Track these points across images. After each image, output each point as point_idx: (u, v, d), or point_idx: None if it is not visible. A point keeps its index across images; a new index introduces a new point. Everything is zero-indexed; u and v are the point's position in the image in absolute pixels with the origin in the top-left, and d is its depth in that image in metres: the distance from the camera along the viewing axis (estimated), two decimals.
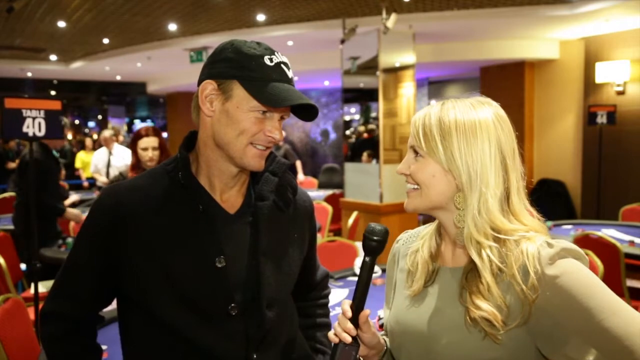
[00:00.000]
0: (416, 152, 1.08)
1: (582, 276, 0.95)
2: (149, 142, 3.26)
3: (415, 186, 1.08)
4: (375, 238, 1.06)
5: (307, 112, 1.17)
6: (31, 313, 3.19)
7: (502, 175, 1.03)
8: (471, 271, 1.02)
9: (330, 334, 1.06)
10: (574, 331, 0.93)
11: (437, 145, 1.03)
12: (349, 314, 1.05)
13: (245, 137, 1.12)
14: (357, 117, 11.82)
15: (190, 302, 1.13)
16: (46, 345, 1.22)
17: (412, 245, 1.18)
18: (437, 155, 1.03)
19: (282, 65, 1.14)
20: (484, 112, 1.04)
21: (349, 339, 1.03)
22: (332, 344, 1.05)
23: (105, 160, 7.17)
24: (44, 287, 4.08)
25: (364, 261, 1.07)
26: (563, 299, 0.93)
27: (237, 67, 1.12)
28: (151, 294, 1.13)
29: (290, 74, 1.16)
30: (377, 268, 3.15)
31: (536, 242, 0.99)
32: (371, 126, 8.52)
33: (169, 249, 1.13)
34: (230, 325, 1.14)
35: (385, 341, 1.17)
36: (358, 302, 1.05)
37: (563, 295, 0.93)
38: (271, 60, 1.13)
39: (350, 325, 1.04)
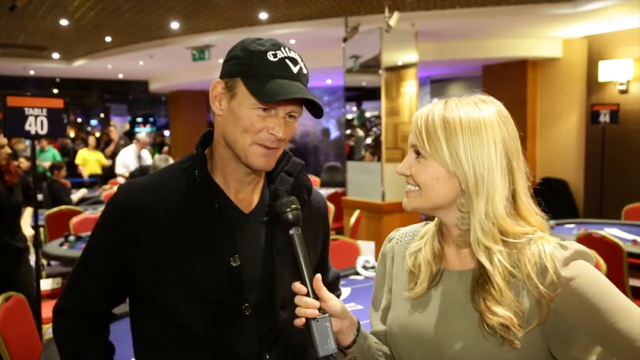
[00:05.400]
0: (418, 153, 1.03)
1: (595, 278, 0.95)
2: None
3: (416, 187, 1.04)
4: (293, 207, 1.06)
5: (316, 107, 1.13)
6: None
7: (508, 177, 1.00)
8: (481, 276, 0.99)
9: (296, 321, 1.00)
10: (587, 332, 0.92)
11: (442, 146, 0.99)
12: (303, 289, 1.01)
13: (248, 135, 1.11)
14: (357, 115, 11.85)
15: (204, 300, 1.12)
16: (59, 341, 1.21)
17: (412, 245, 1.14)
18: (442, 157, 0.99)
19: (287, 61, 1.11)
20: (488, 111, 1.01)
21: (316, 312, 0.99)
22: (305, 329, 0.99)
23: (135, 159, 7.33)
24: (47, 284, 4.09)
25: (291, 236, 1.04)
26: (577, 300, 0.93)
27: (241, 65, 1.11)
28: (165, 292, 1.12)
29: (296, 69, 1.12)
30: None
31: (550, 242, 0.98)
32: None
33: (183, 247, 1.13)
34: (243, 325, 1.14)
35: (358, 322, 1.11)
36: (307, 275, 1.02)
37: (577, 297, 0.93)
38: (275, 55, 1.10)
39: (309, 300, 1.00)
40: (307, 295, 1.01)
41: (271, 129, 1.10)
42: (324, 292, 1.02)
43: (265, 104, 1.09)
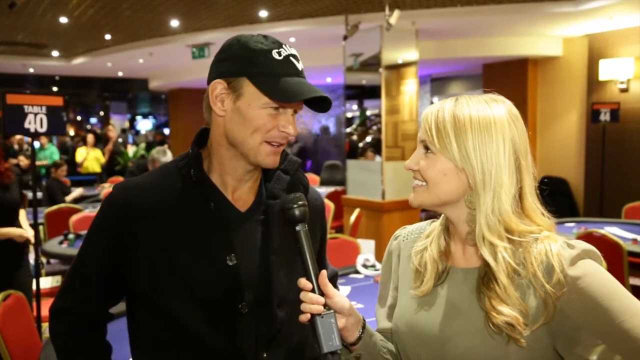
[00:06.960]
0: (427, 148, 1.04)
1: (602, 278, 0.95)
2: None
3: (423, 182, 1.05)
4: (300, 203, 1.04)
5: (320, 103, 1.14)
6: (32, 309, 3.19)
7: (515, 175, 1.01)
8: (486, 274, 0.99)
9: (301, 316, 1.00)
10: (593, 331, 0.92)
11: (451, 142, 1.00)
12: (309, 285, 1.01)
13: (259, 135, 1.11)
14: (358, 114, 11.81)
15: (201, 300, 1.12)
16: (55, 341, 1.21)
17: (418, 244, 1.14)
18: (451, 152, 1.00)
19: (291, 58, 1.12)
20: (499, 110, 1.02)
21: (321, 309, 0.99)
22: (310, 325, 0.99)
23: None
24: (47, 282, 4.09)
25: (298, 232, 1.03)
26: (584, 300, 0.93)
27: (245, 64, 1.11)
28: (161, 291, 1.12)
29: (300, 65, 1.14)
30: (378, 265, 3.14)
31: (557, 241, 0.98)
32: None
33: (179, 247, 1.13)
34: (240, 324, 1.13)
35: (364, 319, 1.11)
36: (312, 271, 1.02)
37: (584, 296, 0.93)
38: (279, 53, 1.11)
39: (315, 296, 1.00)
40: (313, 291, 1.01)
41: (283, 126, 1.12)
42: (329, 288, 1.02)
43: (278, 102, 1.09)
